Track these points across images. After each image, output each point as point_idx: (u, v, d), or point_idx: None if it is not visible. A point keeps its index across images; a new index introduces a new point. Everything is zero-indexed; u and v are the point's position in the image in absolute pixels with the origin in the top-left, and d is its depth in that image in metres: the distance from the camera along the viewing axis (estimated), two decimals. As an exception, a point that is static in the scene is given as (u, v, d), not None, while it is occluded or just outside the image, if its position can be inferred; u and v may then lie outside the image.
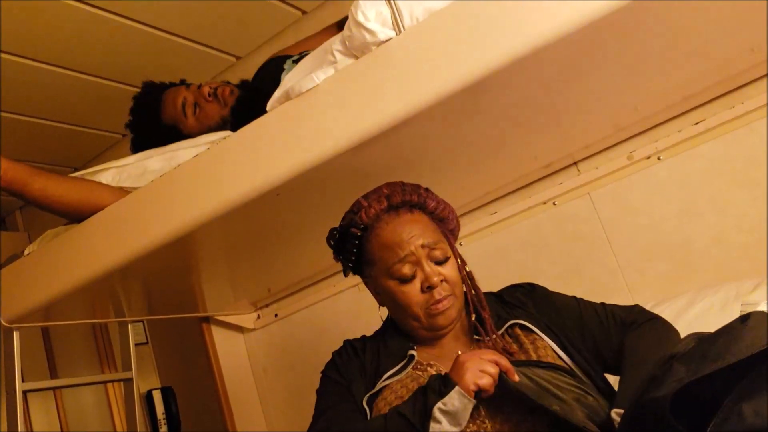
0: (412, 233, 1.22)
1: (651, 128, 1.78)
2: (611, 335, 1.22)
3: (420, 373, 1.19)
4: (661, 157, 1.77)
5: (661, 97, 1.68)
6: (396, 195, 1.26)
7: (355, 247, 1.27)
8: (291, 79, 1.37)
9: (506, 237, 1.97)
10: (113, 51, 2.22)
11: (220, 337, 2.47)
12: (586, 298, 1.33)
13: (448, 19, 1.17)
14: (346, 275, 1.38)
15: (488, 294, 1.32)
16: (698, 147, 1.73)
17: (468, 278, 1.27)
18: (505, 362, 1.05)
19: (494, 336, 1.20)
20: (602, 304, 1.29)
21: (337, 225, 1.33)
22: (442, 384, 1.04)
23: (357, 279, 2.17)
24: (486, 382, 1.02)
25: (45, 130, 2.57)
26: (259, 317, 2.50)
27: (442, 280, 1.20)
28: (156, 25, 2.15)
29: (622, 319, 1.24)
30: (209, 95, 1.86)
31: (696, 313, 1.51)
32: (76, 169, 2.92)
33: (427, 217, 1.27)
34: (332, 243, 1.32)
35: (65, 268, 1.64)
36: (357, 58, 1.27)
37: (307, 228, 1.81)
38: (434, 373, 1.17)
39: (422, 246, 1.21)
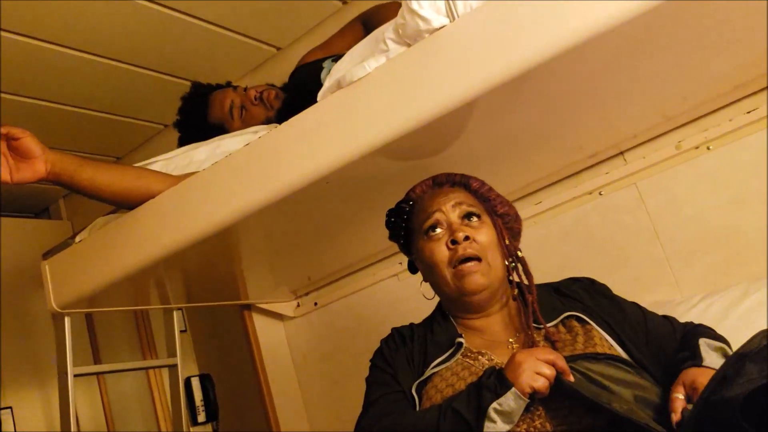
0: (447, 198, 1.29)
1: (700, 117, 1.74)
2: (677, 342, 1.22)
3: (471, 361, 1.18)
4: (711, 147, 1.73)
5: (711, 85, 1.65)
6: (441, 175, 1.36)
7: (403, 221, 1.36)
8: (342, 68, 1.38)
9: (551, 227, 1.95)
10: (155, 42, 2.24)
11: (260, 325, 2.50)
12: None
13: (503, 7, 1.15)
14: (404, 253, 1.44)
15: (545, 285, 1.32)
16: (749, 137, 1.69)
17: (516, 261, 1.30)
18: (561, 363, 1.04)
19: (544, 326, 1.20)
20: (665, 316, 1.31)
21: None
22: (498, 383, 1.03)
23: (396, 269, 2.23)
24: (541, 384, 1.02)
25: (88, 119, 2.61)
26: (298, 305, 2.52)
27: (467, 238, 1.22)
28: (197, 15, 2.17)
29: (683, 328, 1.26)
30: (255, 99, 1.91)
31: (749, 305, 1.48)
32: (119, 159, 2.98)
33: (469, 192, 1.32)
34: (387, 222, 1.40)
35: (116, 255, 1.66)
36: (409, 46, 1.26)
37: (351, 218, 1.82)
38: (486, 363, 1.17)
39: (452, 206, 1.27)
